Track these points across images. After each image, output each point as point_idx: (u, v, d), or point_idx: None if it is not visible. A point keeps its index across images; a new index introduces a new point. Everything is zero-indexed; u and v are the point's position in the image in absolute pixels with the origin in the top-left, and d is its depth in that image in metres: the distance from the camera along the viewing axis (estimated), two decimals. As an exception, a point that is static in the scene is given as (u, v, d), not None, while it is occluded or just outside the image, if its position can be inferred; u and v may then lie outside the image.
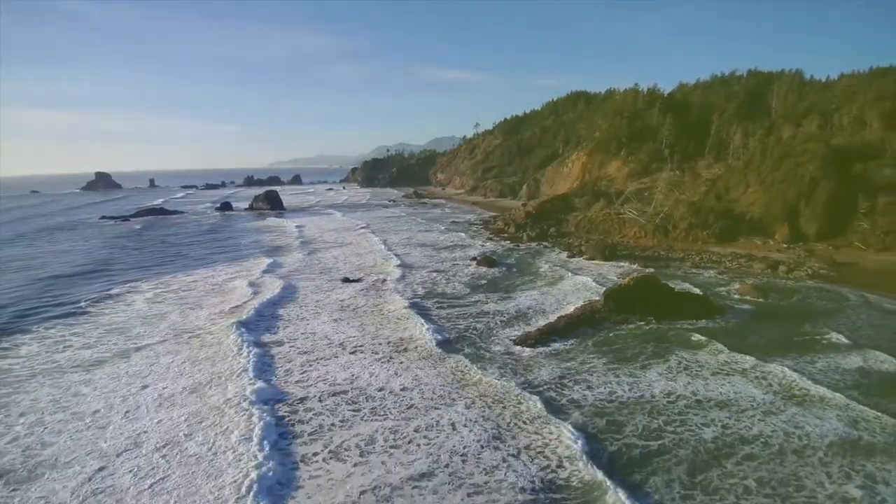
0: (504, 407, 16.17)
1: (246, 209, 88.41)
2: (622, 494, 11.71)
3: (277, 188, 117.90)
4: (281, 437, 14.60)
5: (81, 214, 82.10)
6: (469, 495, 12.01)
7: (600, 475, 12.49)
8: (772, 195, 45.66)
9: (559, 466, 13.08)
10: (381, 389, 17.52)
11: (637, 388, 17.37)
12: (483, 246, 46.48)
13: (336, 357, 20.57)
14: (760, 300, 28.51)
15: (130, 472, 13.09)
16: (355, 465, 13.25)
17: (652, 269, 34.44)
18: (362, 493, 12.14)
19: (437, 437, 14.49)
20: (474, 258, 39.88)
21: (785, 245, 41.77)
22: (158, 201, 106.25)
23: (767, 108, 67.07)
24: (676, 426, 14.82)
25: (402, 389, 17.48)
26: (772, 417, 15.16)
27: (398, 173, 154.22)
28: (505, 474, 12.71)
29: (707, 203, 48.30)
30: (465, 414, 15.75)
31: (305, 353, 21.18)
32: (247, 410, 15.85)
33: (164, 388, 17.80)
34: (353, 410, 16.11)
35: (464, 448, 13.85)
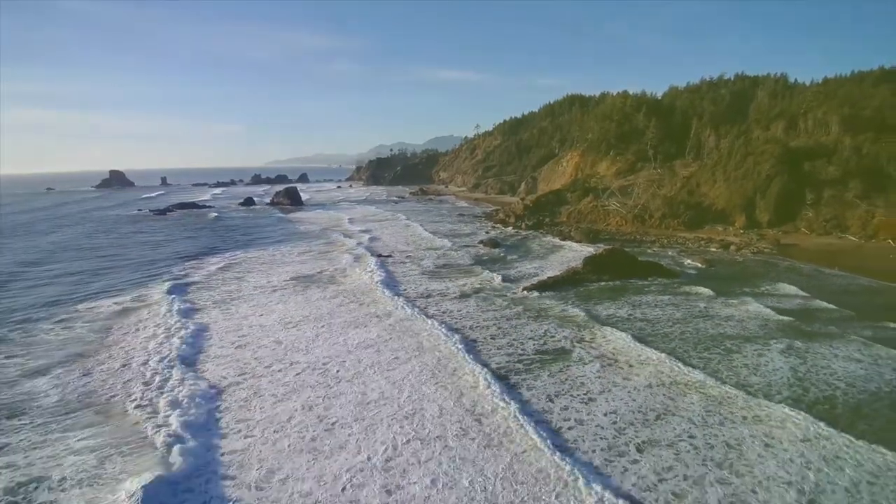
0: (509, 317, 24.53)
1: (268, 204, 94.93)
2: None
3: (301, 186, 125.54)
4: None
5: (130, 209, 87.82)
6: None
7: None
8: (733, 189, 53.46)
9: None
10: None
11: (589, 313, 25.22)
12: (488, 233, 54.41)
13: (450, 300, 29.05)
14: (709, 268, 36.49)
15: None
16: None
17: (627, 249, 42.36)
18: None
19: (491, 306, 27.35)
20: (481, 241, 47.92)
21: (742, 231, 49.60)
22: (207, 196, 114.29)
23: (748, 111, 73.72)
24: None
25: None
26: (678, 325, 23.10)
27: (402, 172, 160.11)
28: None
29: (679, 196, 56.15)
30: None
31: (422, 293, 30.53)
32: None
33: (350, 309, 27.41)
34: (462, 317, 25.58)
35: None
